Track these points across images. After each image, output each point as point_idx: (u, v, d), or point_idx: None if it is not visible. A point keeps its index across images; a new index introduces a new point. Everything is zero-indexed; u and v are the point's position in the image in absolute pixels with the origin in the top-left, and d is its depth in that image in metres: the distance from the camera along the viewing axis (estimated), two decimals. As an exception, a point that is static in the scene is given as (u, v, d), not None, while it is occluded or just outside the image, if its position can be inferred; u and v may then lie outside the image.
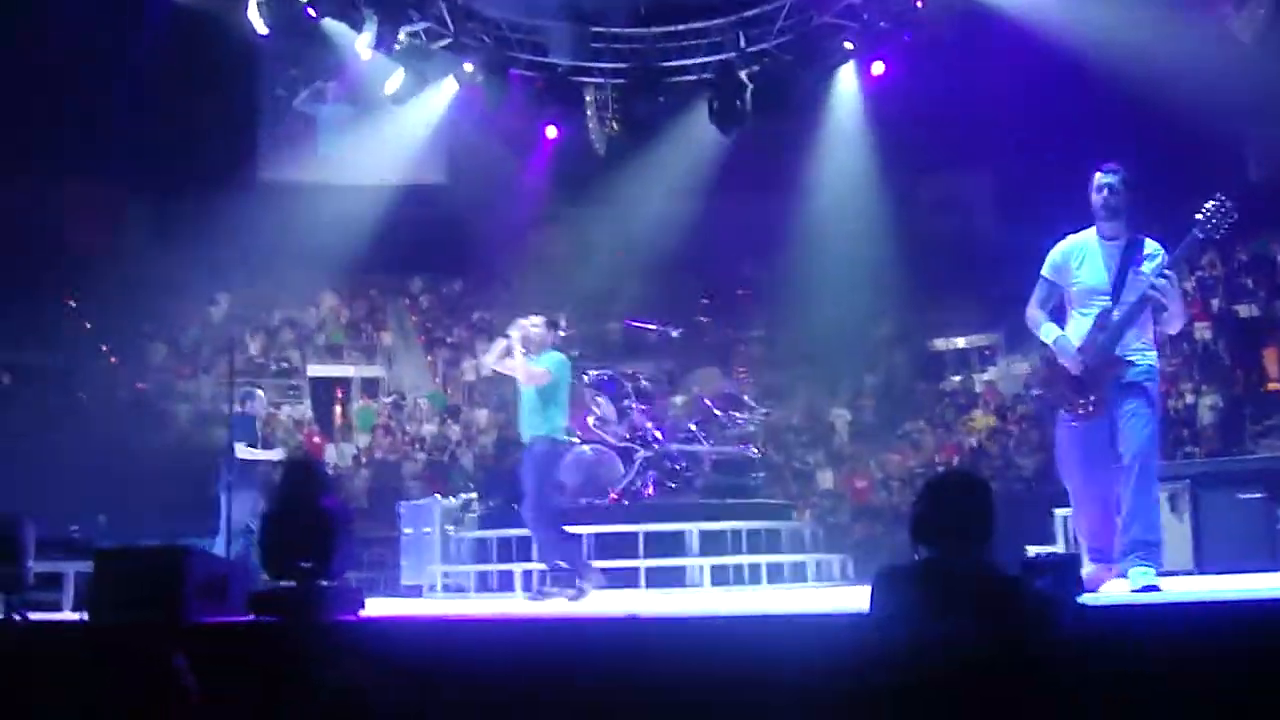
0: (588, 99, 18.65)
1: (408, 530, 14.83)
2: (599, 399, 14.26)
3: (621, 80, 17.99)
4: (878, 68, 17.18)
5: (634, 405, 14.20)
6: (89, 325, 21.00)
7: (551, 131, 19.24)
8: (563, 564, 10.87)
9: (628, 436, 14.05)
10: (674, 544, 13.09)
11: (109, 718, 6.40)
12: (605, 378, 14.51)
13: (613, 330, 20.74)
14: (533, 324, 11.00)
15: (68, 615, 9.26)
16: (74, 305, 21.20)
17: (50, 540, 9.78)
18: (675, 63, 17.71)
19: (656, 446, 14.04)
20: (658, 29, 17.59)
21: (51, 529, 11.11)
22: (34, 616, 8.41)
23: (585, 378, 14.46)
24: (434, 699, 6.24)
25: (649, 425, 14.08)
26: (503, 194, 22.63)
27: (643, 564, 12.89)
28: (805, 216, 21.71)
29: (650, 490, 14.03)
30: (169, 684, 3.97)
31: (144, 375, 21.41)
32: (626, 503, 13.79)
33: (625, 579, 12.75)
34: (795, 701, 5.29)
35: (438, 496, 15.04)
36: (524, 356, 10.79)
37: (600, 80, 18.23)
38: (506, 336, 10.99)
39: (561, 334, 11.42)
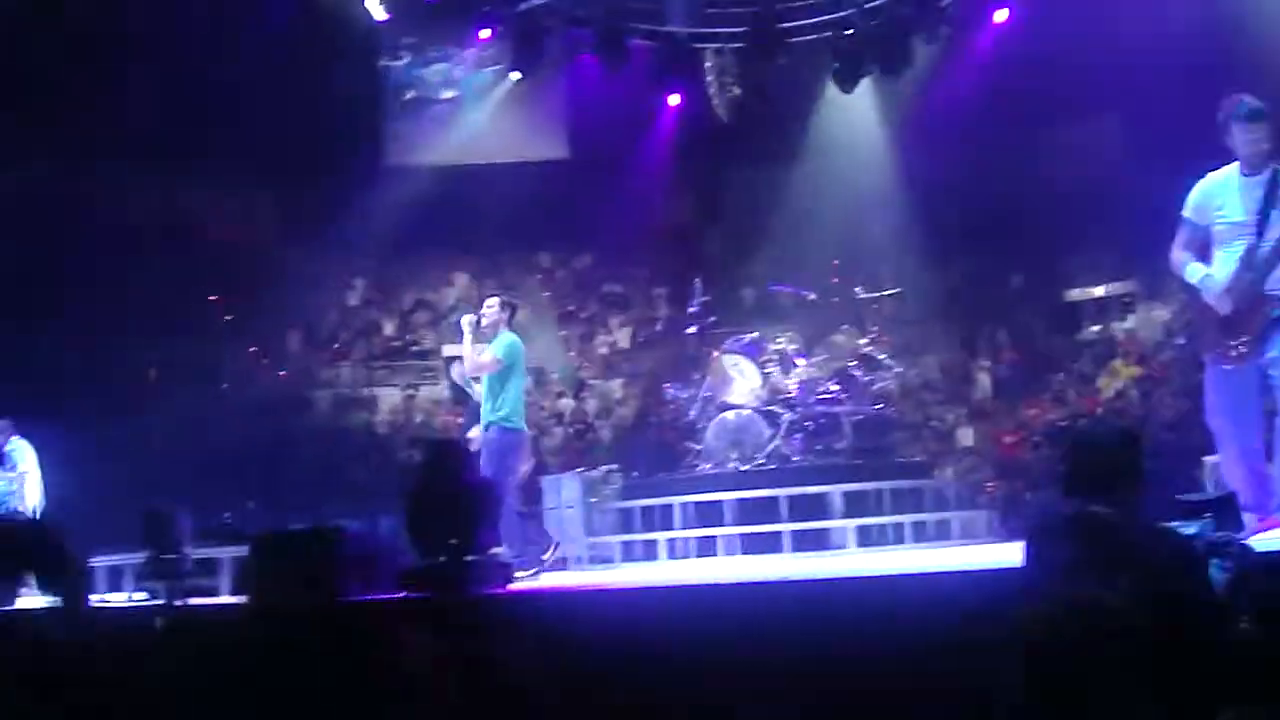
0: (707, 65, 18.58)
1: (550, 504, 14.92)
2: (740, 363, 14.25)
3: (741, 44, 17.88)
4: (1001, 15, 16.90)
5: (775, 368, 14.17)
6: (229, 317, 21.38)
7: (674, 99, 19.19)
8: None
9: (771, 399, 14.03)
10: (817, 506, 13.05)
11: (289, 698, 6.56)
12: (746, 342, 14.49)
13: (745, 296, 20.70)
14: (487, 306, 10.89)
15: (226, 599, 9.47)
16: (214, 298, 21.59)
17: (205, 528, 10.02)
18: (794, 23, 17.55)
19: (799, 409, 14.01)
20: (774, -11, 17.47)
21: (204, 517, 11.37)
22: (194, 601, 8.64)
23: (718, 350, 14.50)
24: (585, 668, 6.29)
25: (791, 387, 14.05)
26: (627, 165, 22.64)
27: (787, 528, 12.88)
28: (930, 169, 21.45)
29: (796, 454, 14.02)
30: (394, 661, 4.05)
31: (284, 363, 21.77)
32: (773, 466, 13.77)
33: (769, 544, 12.76)
34: (951, 657, 5.25)
35: (579, 469, 15.09)
36: (473, 345, 10.69)
37: (719, 45, 18.14)
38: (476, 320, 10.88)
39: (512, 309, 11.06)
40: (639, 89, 19.21)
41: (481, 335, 10.78)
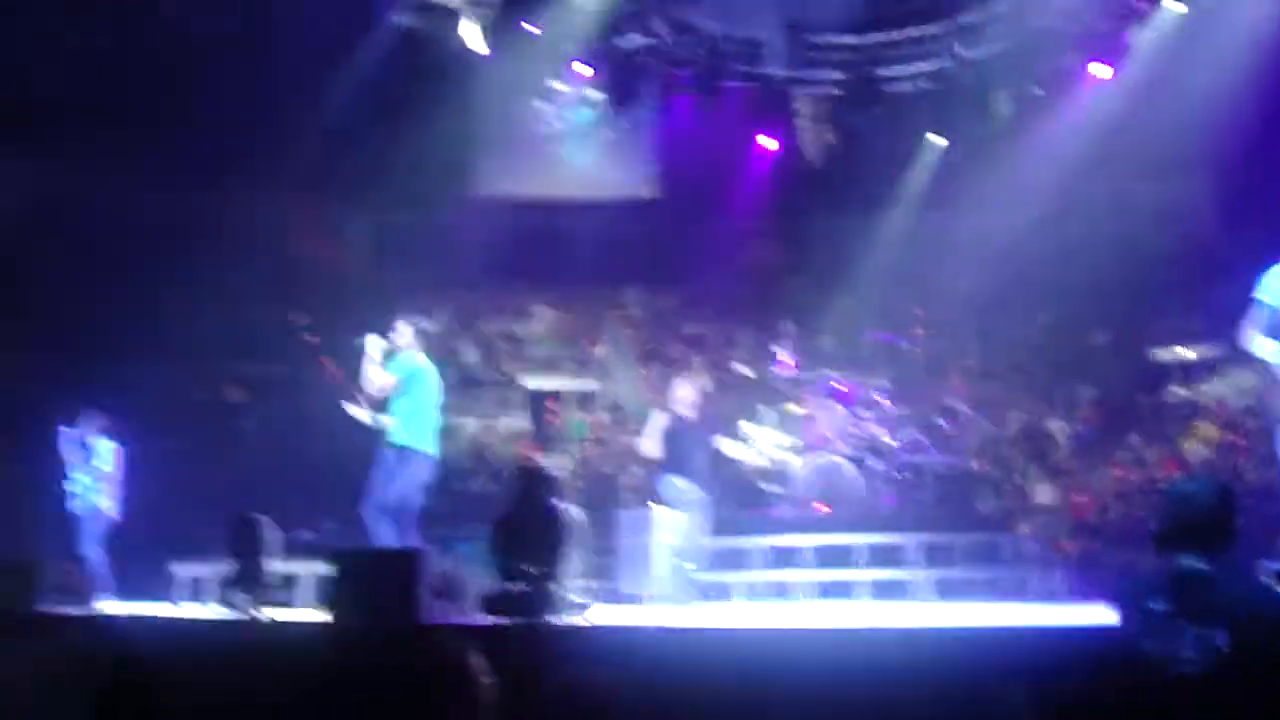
0: (802, 110, 18.63)
1: (627, 539, 14.89)
2: (832, 407, 14.22)
3: (836, 90, 17.91)
4: (1100, 71, 16.79)
5: (866, 414, 14.14)
6: (313, 338, 21.60)
7: (768, 143, 19.24)
8: None
9: (861, 446, 14.00)
10: (895, 556, 12.96)
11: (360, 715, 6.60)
12: (839, 387, 14.46)
13: (827, 342, 20.63)
14: (400, 329, 10.87)
15: (304, 614, 9.52)
16: (298, 319, 21.80)
17: (285, 543, 10.07)
18: (890, 71, 17.57)
19: (888, 458, 13.96)
20: (873, 37, 17.47)
21: (283, 533, 11.45)
22: (275, 615, 8.69)
23: (806, 393, 14.46)
24: (662, 704, 6.27)
25: (882, 435, 14.00)
26: (716, 206, 22.68)
27: (863, 575, 12.79)
28: (1018, 225, 21.34)
29: (884, 503, 13.99)
30: (462, 683, 4.09)
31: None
32: (859, 513, 13.73)
33: (845, 591, 12.68)
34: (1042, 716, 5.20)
35: (653, 506, 15.03)
36: (375, 364, 10.63)
37: (815, 90, 18.18)
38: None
39: (424, 333, 11.02)
40: (732, 130, 19.27)
41: (387, 356, 10.72)
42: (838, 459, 13.91)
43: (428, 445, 10.70)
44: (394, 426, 10.64)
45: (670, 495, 11.93)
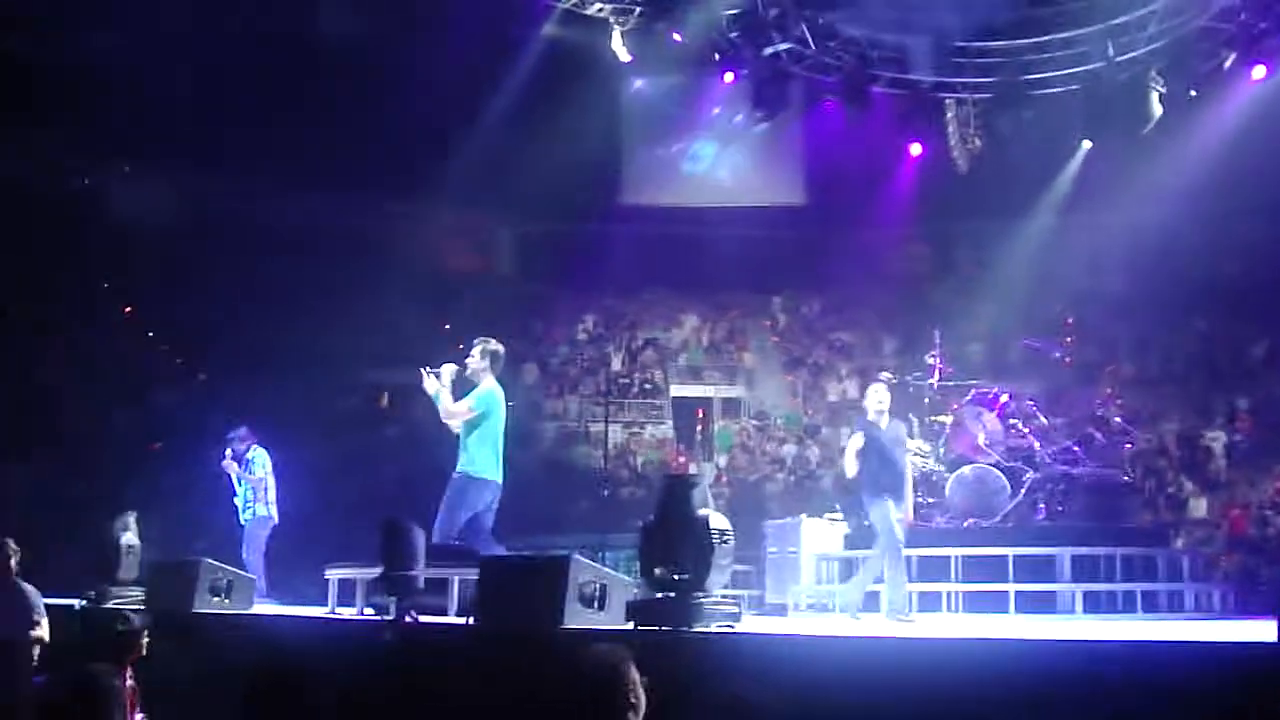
0: (949, 115, 18.42)
1: (772, 550, 14.82)
2: (983, 416, 13.99)
3: (986, 95, 17.67)
4: (1258, 72, 16.32)
5: (1019, 424, 13.91)
6: (461, 346, 21.87)
7: (916, 149, 19.06)
8: None
9: (1014, 456, 13.77)
10: (1045, 569, 12.70)
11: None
12: (990, 396, 14.24)
13: (975, 351, 20.40)
14: (471, 353, 10.65)
15: (453, 620, 9.61)
16: (447, 327, 22.09)
17: (435, 548, 10.19)
18: (1040, 75, 17.26)
19: (1042, 468, 13.71)
20: (1023, 41, 17.17)
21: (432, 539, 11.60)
22: (423, 619, 8.79)
23: (958, 402, 14.27)
24: (809, 714, 6.23)
25: (1035, 445, 13.76)
26: (862, 213, 22.54)
27: (1012, 588, 12.58)
28: (1170, 229, 20.91)
29: (1036, 514, 13.75)
30: (614, 691, 4.12)
31: (513, 394, 22.12)
32: (1011, 524, 13.51)
33: (994, 603, 12.48)
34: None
35: (803, 516, 14.95)
36: (449, 394, 10.43)
37: (963, 95, 17.96)
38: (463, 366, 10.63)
39: (493, 354, 10.68)
40: (878, 136, 19.11)
41: (465, 382, 10.62)
42: (987, 468, 13.66)
43: (494, 473, 10.62)
44: (464, 456, 10.53)
45: (876, 516, 11.36)
